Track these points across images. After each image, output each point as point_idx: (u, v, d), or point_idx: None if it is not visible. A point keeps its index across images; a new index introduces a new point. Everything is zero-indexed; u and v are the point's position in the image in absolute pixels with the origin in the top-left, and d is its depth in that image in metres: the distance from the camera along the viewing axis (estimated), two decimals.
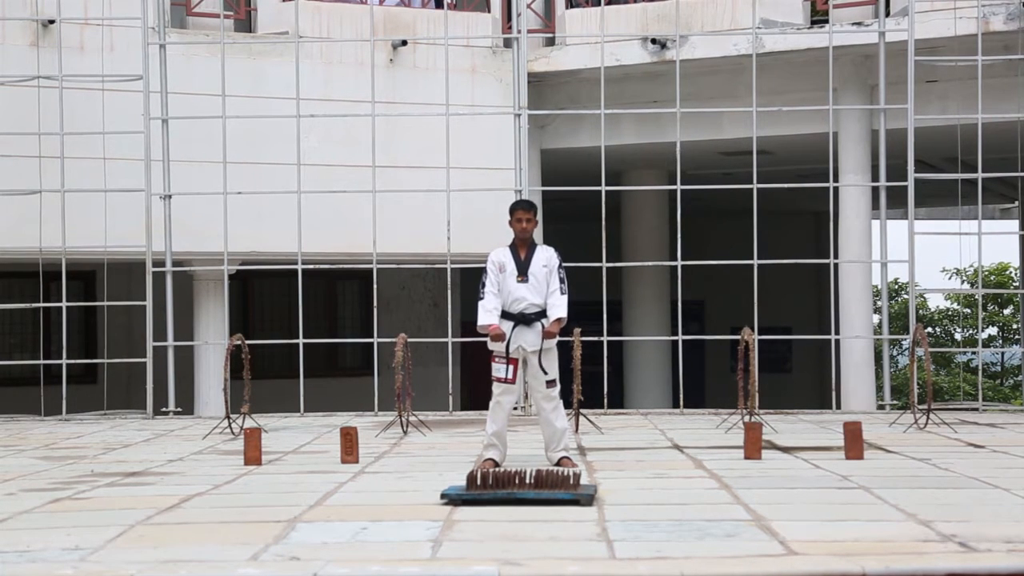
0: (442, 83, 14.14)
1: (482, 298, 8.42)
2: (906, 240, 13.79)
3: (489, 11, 16.23)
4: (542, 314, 8.42)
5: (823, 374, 21.44)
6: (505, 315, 8.41)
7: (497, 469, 7.48)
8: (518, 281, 8.42)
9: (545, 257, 8.51)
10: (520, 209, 8.61)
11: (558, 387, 8.54)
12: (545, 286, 8.44)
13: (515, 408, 10.70)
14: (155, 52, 13.99)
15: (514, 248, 8.55)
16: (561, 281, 8.49)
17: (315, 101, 14.44)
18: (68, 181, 13.78)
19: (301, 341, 13.92)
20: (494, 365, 8.41)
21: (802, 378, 25.38)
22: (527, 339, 8.39)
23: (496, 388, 8.44)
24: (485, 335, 8.42)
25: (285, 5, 15.22)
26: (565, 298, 8.45)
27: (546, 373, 8.44)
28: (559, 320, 8.38)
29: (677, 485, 7.77)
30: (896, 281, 28.94)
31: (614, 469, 8.51)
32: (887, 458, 9.07)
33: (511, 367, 8.36)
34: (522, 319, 8.39)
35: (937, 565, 5.12)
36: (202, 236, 14.38)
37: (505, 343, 8.35)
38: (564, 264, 8.62)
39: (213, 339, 15.03)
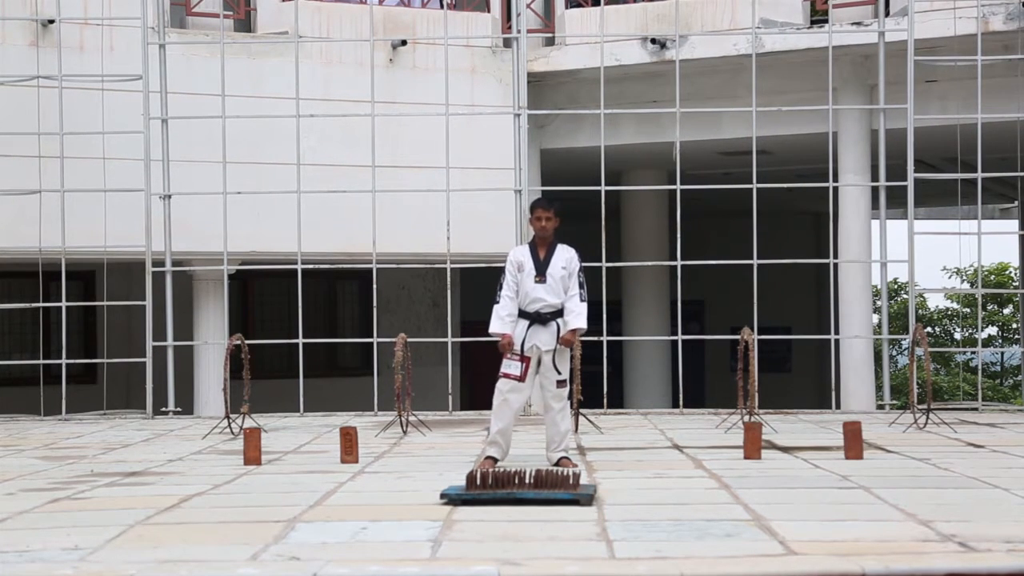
0: (442, 83, 14.14)
1: (498, 302, 8.31)
2: (906, 240, 13.79)
3: (489, 11, 16.22)
4: (558, 314, 8.34)
5: (823, 374, 21.43)
6: (521, 314, 8.33)
7: (497, 469, 7.46)
8: (536, 281, 8.33)
9: (565, 259, 8.40)
10: (540, 207, 8.49)
11: (567, 388, 8.50)
12: (562, 287, 8.35)
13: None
14: (155, 52, 13.99)
15: (533, 247, 8.46)
16: (581, 286, 8.38)
17: (315, 101, 14.43)
18: (68, 181, 13.77)
19: (301, 341, 13.92)
20: (505, 361, 8.30)
21: (802, 378, 25.37)
22: (542, 338, 8.32)
23: (504, 385, 8.33)
24: (494, 339, 8.36)
25: (285, 5, 15.22)
26: (584, 305, 8.34)
27: (559, 373, 8.38)
28: (576, 330, 8.33)
29: (677, 485, 7.76)
30: (896, 281, 28.94)
31: (614, 469, 8.50)
32: (887, 458, 9.07)
33: (523, 365, 8.28)
34: (538, 318, 8.32)
35: (937, 565, 5.11)
36: (202, 236, 14.37)
37: (520, 342, 8.30)
38: None
39: (213, 339, 15.02)
